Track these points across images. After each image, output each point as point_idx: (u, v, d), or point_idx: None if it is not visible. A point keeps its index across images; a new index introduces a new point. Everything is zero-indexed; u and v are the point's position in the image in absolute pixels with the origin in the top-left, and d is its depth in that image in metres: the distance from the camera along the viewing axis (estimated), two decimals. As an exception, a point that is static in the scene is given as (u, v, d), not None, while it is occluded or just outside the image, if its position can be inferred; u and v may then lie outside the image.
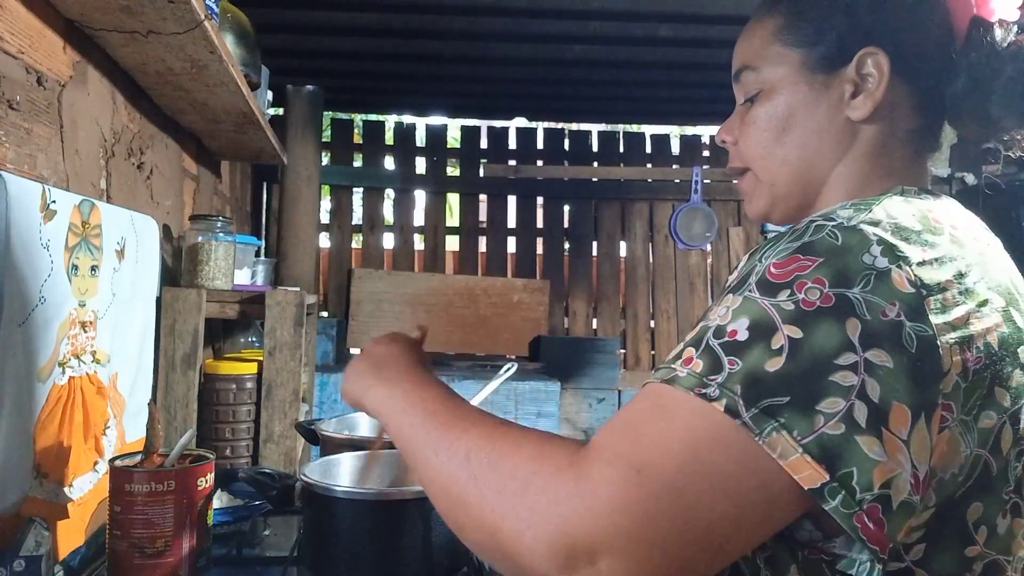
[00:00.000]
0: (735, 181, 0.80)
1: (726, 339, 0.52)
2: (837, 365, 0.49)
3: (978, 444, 0.54)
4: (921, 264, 0.54)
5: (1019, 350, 0.57)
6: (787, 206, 0.74)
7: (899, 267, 0.53)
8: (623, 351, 3.48)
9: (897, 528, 0.50)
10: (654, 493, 0.48)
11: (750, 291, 0.54)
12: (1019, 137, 0.70)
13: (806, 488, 0.48)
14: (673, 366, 0.54)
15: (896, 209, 0.59)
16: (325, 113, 3.24)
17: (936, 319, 0.52)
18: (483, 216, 3.57)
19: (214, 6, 1.30)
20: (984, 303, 0.56)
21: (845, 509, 0.48)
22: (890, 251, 0.54)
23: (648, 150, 3.63)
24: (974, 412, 0.54)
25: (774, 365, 0.50)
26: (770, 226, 3.48)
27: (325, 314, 3.27)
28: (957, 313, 0.54)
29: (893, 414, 0.49)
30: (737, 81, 0.76)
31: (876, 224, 0.56)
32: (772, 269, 0.54)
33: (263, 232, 3.30)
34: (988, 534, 0.56)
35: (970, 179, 2.57)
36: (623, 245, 3.56)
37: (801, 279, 0.52)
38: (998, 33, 0.66)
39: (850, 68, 0.68)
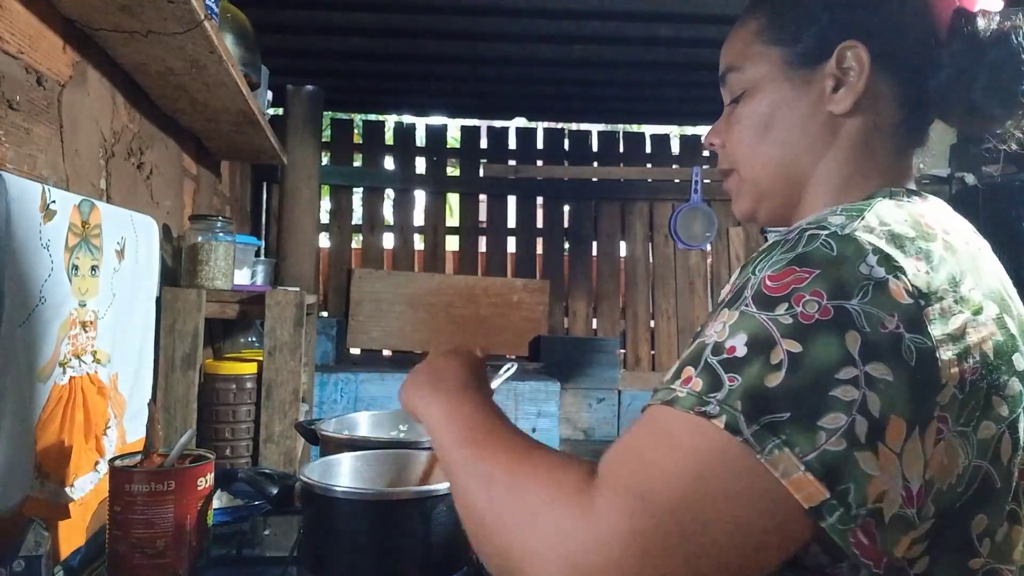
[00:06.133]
0: (723, 183, 0.81)
1: (724, 356, 0.51)
2: (838, 379, 0.48)
3: (977, 455, 0.54)
4: (917, 273, 0.53)
5: (1014, 357, 0.57)
6: (772, 205, 0.75)
7: (896, 277, 0.52)
8: (623, 351, 3.48)
9: (892, 542, 0.49)
10: (658, 521, 0.47)
11: (746, 305, 0.53)
12: (1013, 131, 0.70)
13: (806, 506, 0.47)
14: (672, 386, 0.53)
15: (888, 215, 0.58)
16: (325, 113, 3.24)
17: (935, 330, 0.52)
18: (483, 216, 3.57)
19: (214, 6, 1.30)
20: (979, 311, 0.55)
21: (841, 526, 0.47)
22: (886, 260, 0.53)
23: (648, 150, 3.63)
24: (972, 423, 0.53)
25: (774, 380, 0.49)
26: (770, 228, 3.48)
27: (325, 314, 3.27)
28: (955, 324, 0.53)
29: (890, 428, 0.48)
30: (723, 83, 0.77)
31: (870, 231, 0.55)
32: (768, 282, 0.53)
33: (263, 232, 3.30)
34: (991, 545, 0.56)
35: (970, 179, 2.57)
36: (623, 245, 3.56)
37: (799, 292, 0.51)
38: (980, 23, 0.66)
39: (831, 63, 0.69)
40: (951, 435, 0.52)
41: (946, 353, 0.51)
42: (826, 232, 0.55)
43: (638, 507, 0.48)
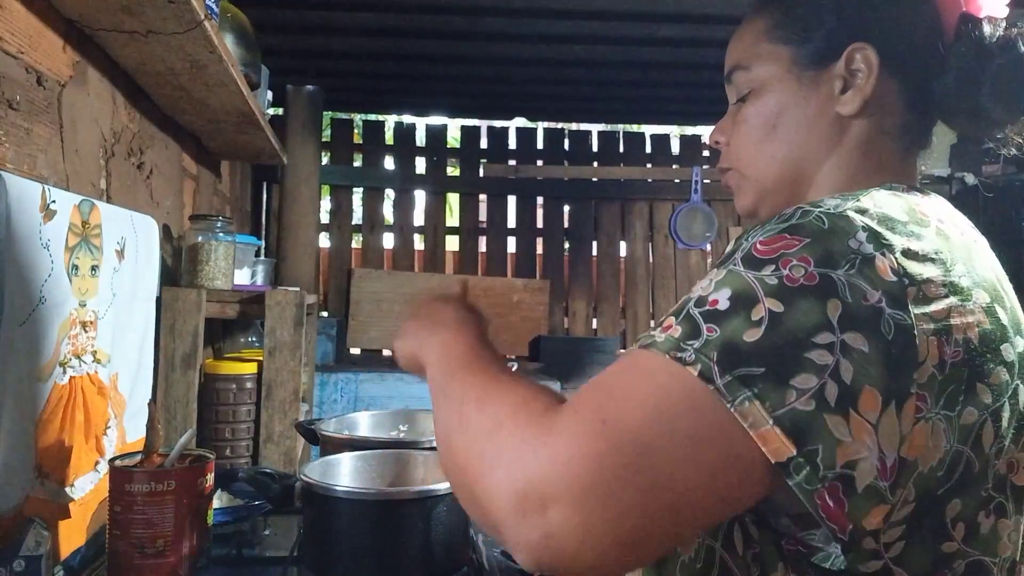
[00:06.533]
0: (721, 179, 0.81)
1: (707, 308, 0.53)
2: (814, 343, 0.49)
3: (959, 440, 0.54)
4: (906, 254, 0.54)
5: (1002, 347, 0.57)
6: (775, 202, 0.75)
7: (883, 254, 0.53)
8: (623, 351, 3.48)
9: (862, 512, 0.50)
10: (616, 445, 0.48)
11: (734, 264, 0.55)
12: (1013, 136, 0.70)
13: (773, 461, 0.48)
14: (652, 333, 0.55)
15: (883, 200, 0.59)
16: (325, 113, 3.24)
17: (916, 309, 0.52)
18: (483, 216, 3.57)
19: (214, 6, 1.30)
20: (967, 298, 0.56)
21: (808, 486, 0.48)
22: (875, 238, 0.54)
23: (648, 150, 3.63)
24: (957, 408, 0.54)
25: (752, 336, 0.50)
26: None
27: (325, 314, 3.27)
28: (938, 306, 0.54)
29: (863, 397, 0.49)
30: (729, 82, 0.77)
31: (863, 212, 0.56)
32: (758, 246, 0.55)
33: (263, 232, 3.30)
34: (968, 532, 0.56)
35: (970, 179, 2.57)
36: (623, 245, 3.56)
37: (786, 256, 0.53)
38: (986, 28, 0.67)
39: (839, 64, 0.69)
40: (935, 418, 0.52)
41: (925, 333, 0.52)
42: (819, 209, 0.56)
43: (598, 430, 0.49)
